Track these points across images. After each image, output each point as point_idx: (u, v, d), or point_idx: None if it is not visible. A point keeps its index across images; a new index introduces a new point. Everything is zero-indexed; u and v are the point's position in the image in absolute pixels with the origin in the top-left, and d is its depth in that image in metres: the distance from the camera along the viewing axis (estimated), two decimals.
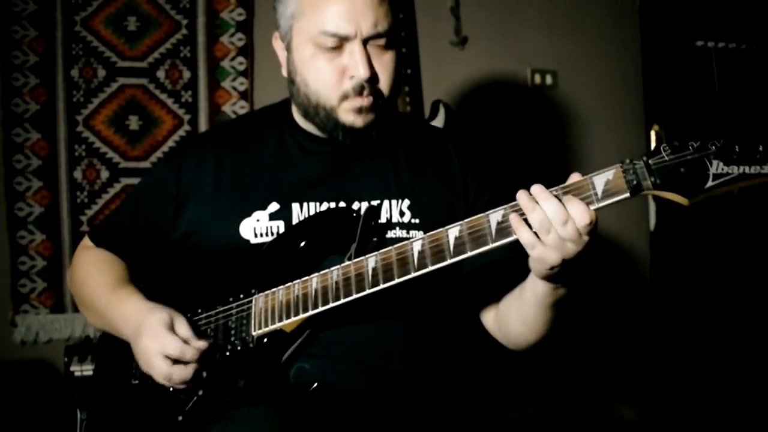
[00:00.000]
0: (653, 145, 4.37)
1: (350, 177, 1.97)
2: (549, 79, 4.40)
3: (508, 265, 1.88)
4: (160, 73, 3.83)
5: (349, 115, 1.88)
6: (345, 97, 1.86)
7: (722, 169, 1.39)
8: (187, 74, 3.87)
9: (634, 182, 1.47)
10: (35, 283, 3.66)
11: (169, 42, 3.84)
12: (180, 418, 1.83)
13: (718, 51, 4.46)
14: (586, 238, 1.54)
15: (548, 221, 1.52)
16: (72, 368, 3.15)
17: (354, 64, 1.83)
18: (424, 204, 1.95)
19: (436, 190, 2.00)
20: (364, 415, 1.84)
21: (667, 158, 1.45)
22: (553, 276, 1.64)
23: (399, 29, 1.89)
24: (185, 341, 1.78)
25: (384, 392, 1.86)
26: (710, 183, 1.41)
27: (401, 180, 1.99)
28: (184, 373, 1.79)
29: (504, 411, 1.86)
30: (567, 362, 4.10)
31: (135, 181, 3.65)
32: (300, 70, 1.91)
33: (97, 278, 2.09)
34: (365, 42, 1.82)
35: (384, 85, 1.88)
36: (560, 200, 1.52)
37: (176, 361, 1.78)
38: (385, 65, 1.87)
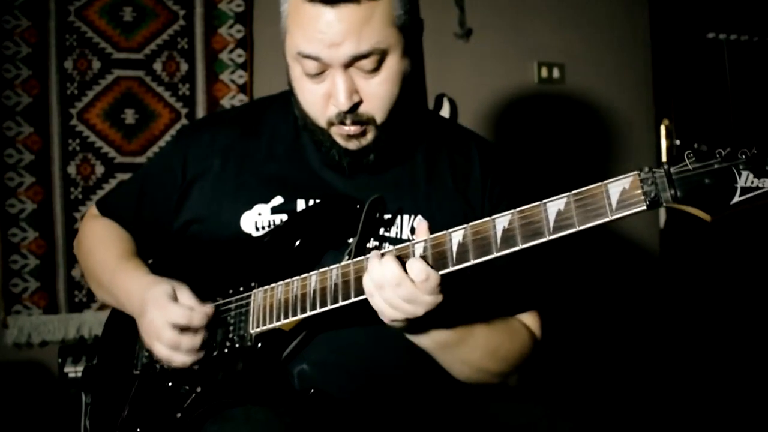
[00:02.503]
0: (663, 140, 4.34)
1: (363, 184, 1.91)
2: (556, 73, 4.39)
3: (510, 273, 1.87)
4: (157, 65, 3.80)
5: (339, 138, 1.82)
6: (331, 123, 1.79)
7: (752, 182, 1.29)
8: (184, 66, 3.84)
9: (653, 194, 1.38)
10: (28, 283, 3.62)
11: (166, 33, 3.81)
12: (178, 415, 1.80)
13: (729, 43, 4.45)
14: (428, 298, 1.56)
15: (383, 279, 1.55)
16: (66, 369, 3.16)
17: (335, 92, 1.74)
18: (437, 221, 1.83)
19: (451, 206, 1.93)
20: (365, 421, 1.81)
21: (690, 167, 1.35)
22: (406, 329, 1.69)
23: (401, 39, 1.76)
24: (190, 309, 1.77)
25: (386, 398, 1.83)
26: (737, 198, 1.31)
27: (417, 193, 1.93)
28: (192, 341, 1.77)
29: (510, 413, 1.82)
30: (574, 363, 4.08)
31: (130, 176, 3.60)
32: (293, 86, 1.84)
33: (102, 250, 2.07)
34: (349, 65, 1.72)
35: (374, 109, 1.78)
36: (403, 262, 1.55)
37: (183, 331, 1.76)
38: (373, 90, 1.76)
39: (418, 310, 1.57)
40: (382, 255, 1.58)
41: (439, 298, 1.57)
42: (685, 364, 4.31)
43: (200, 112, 3.84)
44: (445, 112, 3.62)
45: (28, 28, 3.62)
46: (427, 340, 1.74)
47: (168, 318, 1.75)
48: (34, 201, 3.62)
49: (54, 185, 3.65)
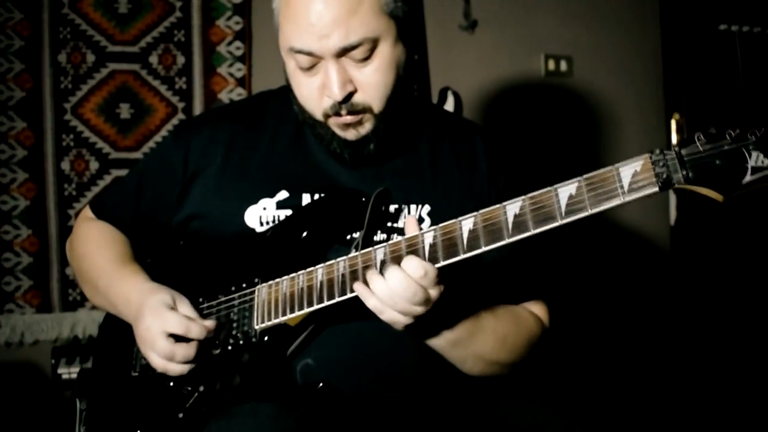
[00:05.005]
0: (674, 134, 4.35)
1: (368, 176, 1.94)
2: (563, 65, 4.39)
3: (516, 264, 1.90)
4: (153, 59, 3.81)
5: (337, 129, 1.85)
6: (327, 115, 1.83)
7: (762, 162, 1.33)
8: (181, 59, 3.85)
9: (665, 176, 1.41)
10: (20, 281, 3.64)
11: (162, 25, 3.82)
12: (180, 415, 1.83)
13: (742, 35, 4.44)
14: (433, 292, 1.61)
15: (393, 293, 1.59)
16: (59, 371, 3.16)
17: (328, 83, 1.78)
18: (445, 211, 1.88)
19: (458, 195, 1.96)
20: (372, 417, 1.83)
21: (701, 149, 1.40)
22: (419, 333, 1.74)
23: (393, 27, 1.80)
24: (188, 319, 1.79)
25: (393, 396, 1.86)
26: (748, 177, 1.35)
27: (423, 183, 1.96)
28: (187, 351, 1.78)
29: (516, 415, 1.85)
30: (581, 364, 4.09)
31: (126, 172, 3.60)
32: (290, 81, 1.89)
33: (98, 254, 2.08)
34: (340, 55, 1.76)
35: (370, 98, 1.81)
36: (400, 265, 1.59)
37: (179, 341, 1.78)
38: (366, 78, 1.79)
39: (427, 308, 1.61)
40: (381, 270, 1.62)
41: (440, 288, 1.62)
42: (697, 363, 4.31)
43: (197, 106, 3.85)
44: (449, 105, 3.62)
45: (21, 21, 3.63)
46: (439, 341, 1.77)
47: (164, 327, 1.77)
48: (27, 198, 3.64)
49: (47, 181, 3.67)
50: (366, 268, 1.66)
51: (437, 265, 1.59)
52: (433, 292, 1.60)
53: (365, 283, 1.63)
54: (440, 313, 1.67)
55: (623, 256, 4.39)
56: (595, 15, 4.44)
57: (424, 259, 1.61)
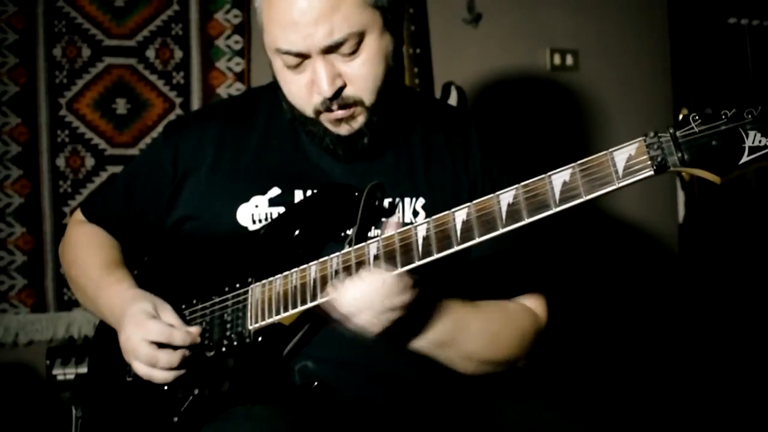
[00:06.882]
0: None
1: (361, 170, 1.94)
2: (569, 60, 4.38)
3: (510, 257, 1.91)
4: (150, 53, 3.81)
5: (329, 124, 1.86)
6: (318, 111, 1.84)
7: (760, 141, 1.32)
8: (178, 54, 3.85)
9: (660, 158, 1.40)
10: (14, 280, 3.64)
11: (159, 19, 3.82)
12: (175, 419, 1.83)
13: (751, 29, 4.43)
14: (399, 300, 1.62)
15: (357, 303, 1.62)
16: (54, 372, 3.16)
17: (317, 80, 1.79)
18: (439, 203, 1.89)
19: (453, 187, 1.96)
20: (370, 418, 1.83)
21: (696, 129, 1.39)
22: (398, 339, 1.74)
23: (379, 18, 1.80)
24: (170, 326, 1.80)
25: (392, 398, 1.86)
26: (745, 158, 1.34)
27: (416, 175, 1.96)
28: (171, 357, 1.78)
29: (520, 417, 1.85)
30: (586, 364, 4.08)
31: (121, 169, 3.60)
32: (278, 79, 1.90)
33: (85, 261, 2.10)
34: (327, 52, 1.77)
35: (360, 91, 1.82)
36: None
37: (162, 348, 1.78)
38: (355, 72, 1.80)
39: (398, 315, 1.63)
40: (343, 274, 1.65)
41: (412, 294, 1.63)
42: (705, 363, 4.31)
43: (195, 101, 3.85)
44: (452, 100, 3.62)
45: (15, 14, 3.63)
46: (421, 343, 1.77)
47: (145, 335, 1.78)
48: (21, 195, 3.64)
49: (42, 178, 3.67)
50: (359, 264, 1.66)
51: (408, 267, 1.61)
52: (398, 300, 1.62)
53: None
54: (416, 317, 1.68)
55: (631, 254, 4.39)
56: (601, 8, 4.44)
57: (418, 253, 1.61)
